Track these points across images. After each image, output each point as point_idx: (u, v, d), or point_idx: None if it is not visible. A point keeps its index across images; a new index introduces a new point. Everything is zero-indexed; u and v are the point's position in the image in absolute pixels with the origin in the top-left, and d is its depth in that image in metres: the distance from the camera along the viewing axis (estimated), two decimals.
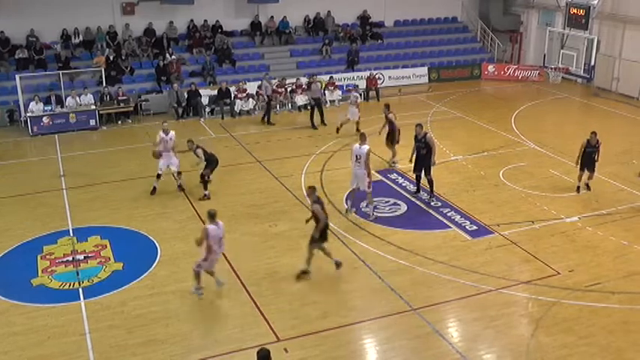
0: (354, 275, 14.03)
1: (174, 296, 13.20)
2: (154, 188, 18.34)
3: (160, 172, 18.23)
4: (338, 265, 14.01)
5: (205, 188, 18.06)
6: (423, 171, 17.54)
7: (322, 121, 25.29)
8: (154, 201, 17.97)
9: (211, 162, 18.04)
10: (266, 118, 25.94)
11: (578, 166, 18.02)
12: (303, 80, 28.02)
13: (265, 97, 26.42)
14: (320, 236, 13.60)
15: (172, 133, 18.20)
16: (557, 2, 31.87)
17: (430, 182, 17.54)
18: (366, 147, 16.27)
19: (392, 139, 20.30)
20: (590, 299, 12.98)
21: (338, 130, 23.68)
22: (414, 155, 17.63)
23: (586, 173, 18.06)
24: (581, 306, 12.74)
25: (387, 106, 20.80)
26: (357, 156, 16.29)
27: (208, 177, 18.04)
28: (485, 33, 36.18)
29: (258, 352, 8.85)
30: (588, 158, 17.79)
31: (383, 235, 15.73)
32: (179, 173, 18.48)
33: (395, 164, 20.35)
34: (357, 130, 22.62)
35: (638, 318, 12.39)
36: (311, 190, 13.83)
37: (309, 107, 26.24)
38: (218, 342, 11.71)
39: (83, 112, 25.26)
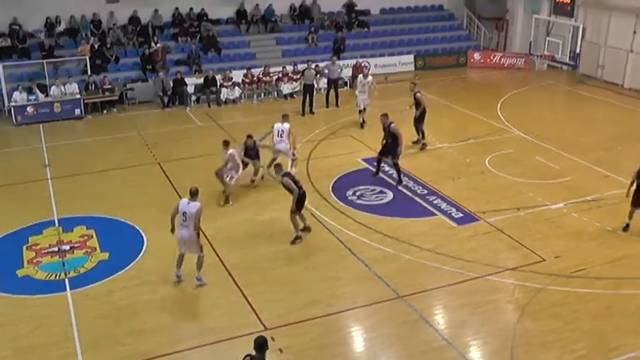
0: (341, 263, 14.06)
1: (161, 286, 13.18)
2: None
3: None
4: (306, 229, 15.22)
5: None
6: (389, 157, 18.27)
7: (311, 110, 25.18)
8: (139, 190, 17.90)
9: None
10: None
11: (630, 200, 15.02)
12: (289, 69, 27.90)
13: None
14: (297, 207, 14.78)
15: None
16: None
17: (395, 166, 18.13)
18: (287, 124, 18.29)
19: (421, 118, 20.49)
20: (576, 285, 13.09)
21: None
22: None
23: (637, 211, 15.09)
24: (567, 292, 12.85)
25: (414, 84, 20.86)
26: (279, 131, 18.14)
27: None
28: (471, 20, 36.15)
29: (255, 340, 8.89)
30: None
31: (369, 223, 15.76)
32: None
33: (425, 147, 20.87)
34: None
35: (621, 303, 12.52)
36: (277, 167, 15.27)
37: (300, 94, 25.96)
38: (205, 331, 11.70)
39: (68, 102, 25.04)
